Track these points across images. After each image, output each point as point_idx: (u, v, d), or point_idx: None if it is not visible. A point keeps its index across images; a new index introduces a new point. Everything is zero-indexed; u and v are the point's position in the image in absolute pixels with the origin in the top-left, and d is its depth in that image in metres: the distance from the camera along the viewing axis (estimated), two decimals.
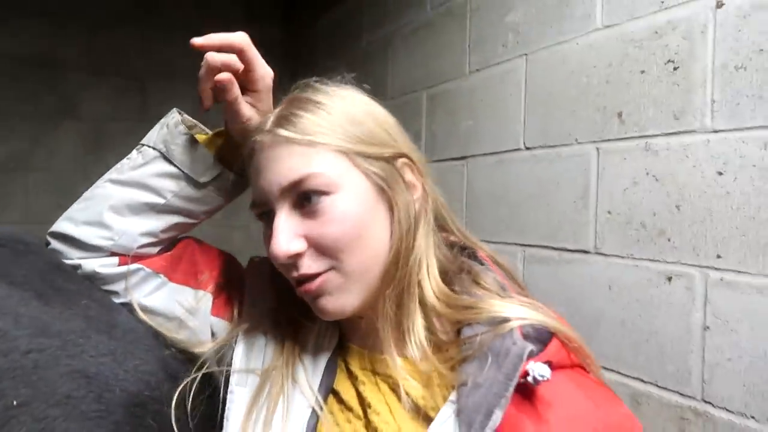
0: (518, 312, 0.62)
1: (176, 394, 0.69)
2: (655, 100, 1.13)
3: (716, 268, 1.02)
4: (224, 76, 0.69)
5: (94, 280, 0.76)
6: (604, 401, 0.61)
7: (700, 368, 1.05)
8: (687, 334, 1.07)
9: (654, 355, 1.13)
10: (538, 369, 0.56)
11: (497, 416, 0.55)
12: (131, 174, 0.76)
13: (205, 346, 0.76)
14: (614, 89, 1.21)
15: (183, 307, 0.78)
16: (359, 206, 0.65)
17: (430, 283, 0.67)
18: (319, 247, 0.65)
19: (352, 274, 0.65)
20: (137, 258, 0.76)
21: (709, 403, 1.03)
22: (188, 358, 0.75)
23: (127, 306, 0.77)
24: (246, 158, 0.70)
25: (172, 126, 0.77)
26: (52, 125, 2.59)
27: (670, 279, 1.10)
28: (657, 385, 1.12)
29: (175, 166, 0.76)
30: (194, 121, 0.81)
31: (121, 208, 0.75)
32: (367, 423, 0.66)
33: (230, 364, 0.73)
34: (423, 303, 0.67)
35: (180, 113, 0.79)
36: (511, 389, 0.56)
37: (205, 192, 0.78)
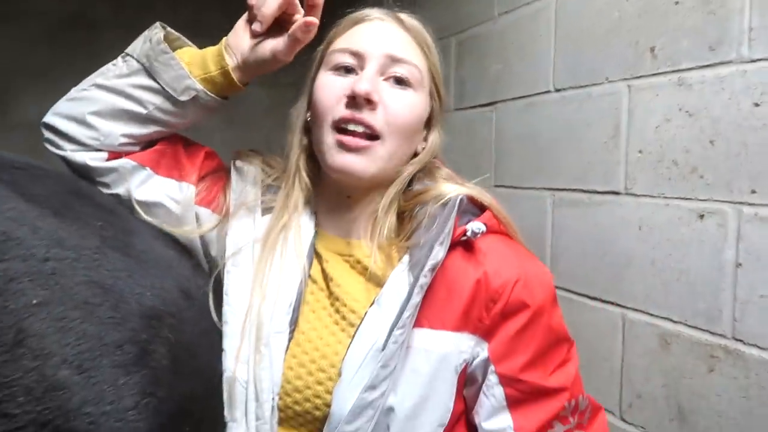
0: (458, 189, 0.76)
1: (211, 281, 0.78)
2: (689, 31, 1.08)
3: (750, 204, 0.99)
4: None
5: (85, 172, 0.82)
6: (526, 256, 0.78)
7: (731, 306, 1.03)
8: (718, 272, 1.05)
9: (684, 294, 1.11)
10: (474, 225, 0.72)
11: (437, 251, 0.69)
12: (116, 82, 0.80)
13: (193, 232, 0.83)
14: (647, 23, 1.16)
15: (171, 199, 0.83)
16: (422, 112, 0.80)
17: (403, 191, 0.80)
18: (387, 115, 0.75)
19: (387, 153, 0.76)
20: (125, 153, 0.82)
21: (740, 340, 1.02)
22: (202, 276, 0.80)
23: (122, 201, 0.82)
24: (346, 22, 0.81)
25: (154, 42, 0.79)
26: None
27: (702, 216, 1.07)
28: (687, 324, 1.11)
29: (156, 81, 0.79)
30: (177, 34, 0.84)
31: (105, 113, 0.79)
32: (330, 294, 0.77)
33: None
34: (397, 204, 0.80)
35: (164, 28, 0.82)
36: (448, 228, 0.70)
37: (185, 108, 0.81)
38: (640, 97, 1.19)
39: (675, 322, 1.13)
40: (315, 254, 0.81)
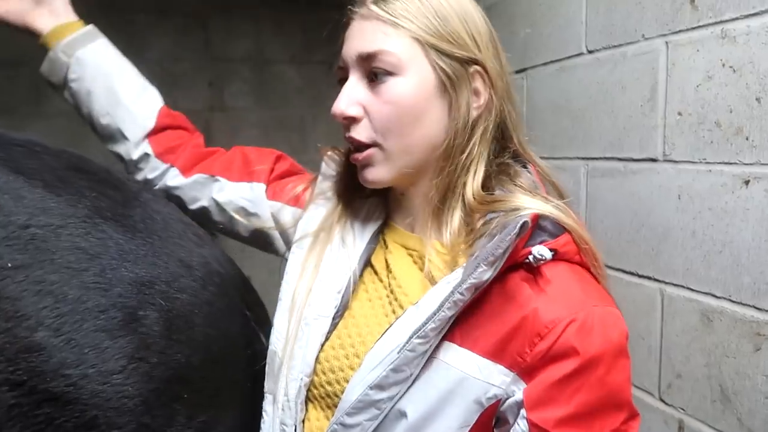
0: (536, 204, 0.68)
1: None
2: None
3: None
4: None
5: (176, 199, 0.92)
6: (595, 294, 0.68)
7: None
8: (766, 243, 0.96)
9: (728, 267, 1.02)
10: (538, 250, 0.65)
11: (481, 271, 0.63)
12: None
13: (274, 228, 0.91)
14: None
15: (245, 199, 0.91)
16: (417, 95, 0.70)
17: (473, 187, 0.72)
18: (372, 121, 0.72)
19: (392, 155, 0.72)
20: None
21: None
22: (210, 249, 0.81)
23: (210, 211, 0.93)
24: (343, 26, 0.77)
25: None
26: None
27: (747, 182, 0.98)
28: (730, 300, 1.02)
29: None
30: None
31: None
32: (388, 284, 0.76)
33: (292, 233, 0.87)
34: (463, 201, 0.73)
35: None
36: (501, 250, 0.63)
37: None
38: (678, 54, 1.09)
39: (718, 297, 1.05)
40: (384, 243, 0.80)
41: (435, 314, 0.64)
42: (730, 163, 1.01)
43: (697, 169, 1.07)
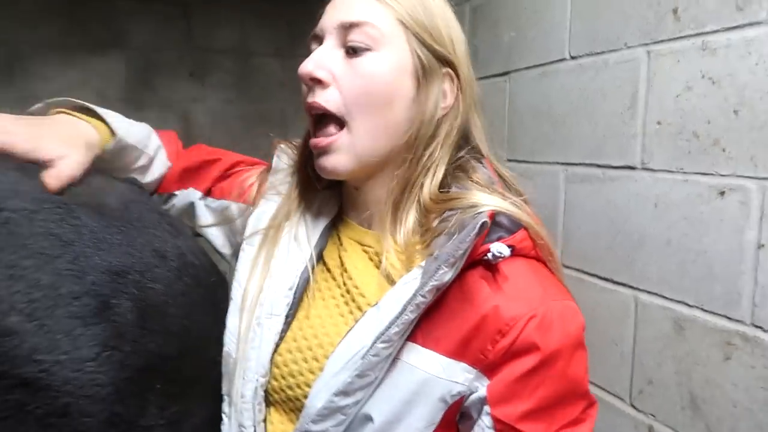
0: (493, 201, 0.67)
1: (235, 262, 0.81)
2: None
3: None
4: None
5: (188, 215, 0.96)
6: (553, 289, 0.68)
7: (751, 290, 0.96)
8: (739, 254, 0.97)
9: (701, 276, 1.04)
10: (497, 247, 0.64)
11: (443, 273, 0.62)
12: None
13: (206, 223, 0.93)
14: None
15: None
16: (391, 73, 0.69)
17: (430, 188, 0.71)
18: (342, 92, 0.69)
19: (357, 139, 0.69)
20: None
21: (760, 327, 0.94)
22: (185, 241, 0.79)
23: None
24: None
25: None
26: (102, 56, 2.62)
27: (722, 193, 0.99)
28: (702, 309, 1.04)
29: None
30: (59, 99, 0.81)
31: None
32: (342, 283, 0.74)
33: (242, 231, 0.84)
34: (419, 202, 0.71)
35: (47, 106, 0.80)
36: (462, 251, 0.62)
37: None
38: (660, 64, 1.10)
39: (690, 306, 1.06)
40: (337, 240, 0.78)
41: (398, 318, 0.63)
42: (707, 174, 1.02)
43: (674, 178, 1.08)
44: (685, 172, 1.06)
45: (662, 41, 1.09)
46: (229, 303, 0.77)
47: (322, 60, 0.69)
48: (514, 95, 1.55)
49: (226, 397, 0.76)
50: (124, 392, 0.61)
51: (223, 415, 0.76)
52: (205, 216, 0.94)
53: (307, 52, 0.72)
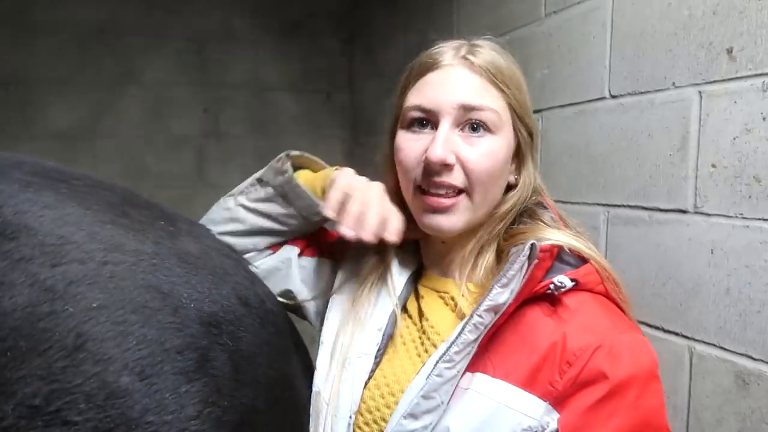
0: (556, 235, 0.73)
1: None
2: None
3: None
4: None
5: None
6: (621, 322, 0.69)
7: None
8: None
9: (766, 328, 0.98)
10: (559, 279, 0.68)
11: (497, 293, 0.66)
12: (257, 205, 0.91)
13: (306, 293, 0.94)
14: (723, 21, 1.03)
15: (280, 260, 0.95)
16: (505, 155, 0.78)
17: (502, 230, 0.80)
18: (466, 170, 0.75)
19: (476, 205, 0.77)
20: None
21: None
22: (261, 286, 0.81)
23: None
24: (418, 69, 0.80)
25: (287, 179, 0.88)
26: (117, 92, 2.59)
27: None
28: None
29: (293, 207, 0.89)
30: (299, 153, 0.92)
31: (252, 230, 0.92)
32: (421, 328, 0.80)
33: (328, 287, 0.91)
34: (497, 244, 0.80)
35: (289, 156, 0.90)
36: (513, 271, 0.66)
37: (315, 224, 0.93)
38: (714, 105, 1.06)
39: (755, 359, 1.00)
40: (415, 292, 0.85)
41: (457, 338, 0.67)
42: None
43: (733, 223, 1.03)
44: (745, 218, 1.01)
45: (715, 81, 1.05)
46: (319, 347, 0.84)
47: (447, 144, 0.74)
48: (548, 133, 1.51)
49: None
50: None
51: None
52: (295, 274, 0.95)
53: (405, 120, 0.79)
